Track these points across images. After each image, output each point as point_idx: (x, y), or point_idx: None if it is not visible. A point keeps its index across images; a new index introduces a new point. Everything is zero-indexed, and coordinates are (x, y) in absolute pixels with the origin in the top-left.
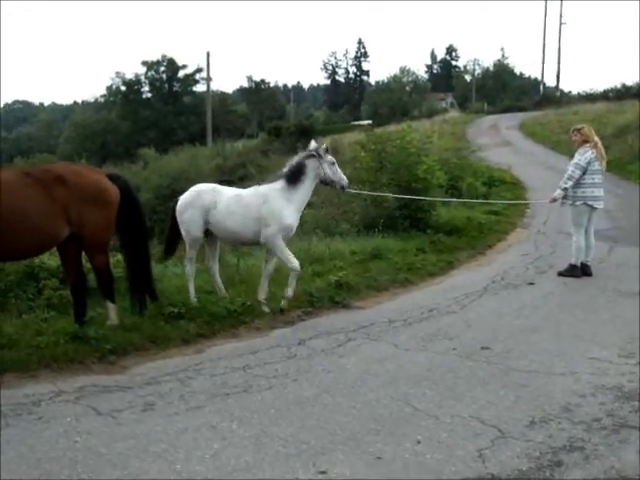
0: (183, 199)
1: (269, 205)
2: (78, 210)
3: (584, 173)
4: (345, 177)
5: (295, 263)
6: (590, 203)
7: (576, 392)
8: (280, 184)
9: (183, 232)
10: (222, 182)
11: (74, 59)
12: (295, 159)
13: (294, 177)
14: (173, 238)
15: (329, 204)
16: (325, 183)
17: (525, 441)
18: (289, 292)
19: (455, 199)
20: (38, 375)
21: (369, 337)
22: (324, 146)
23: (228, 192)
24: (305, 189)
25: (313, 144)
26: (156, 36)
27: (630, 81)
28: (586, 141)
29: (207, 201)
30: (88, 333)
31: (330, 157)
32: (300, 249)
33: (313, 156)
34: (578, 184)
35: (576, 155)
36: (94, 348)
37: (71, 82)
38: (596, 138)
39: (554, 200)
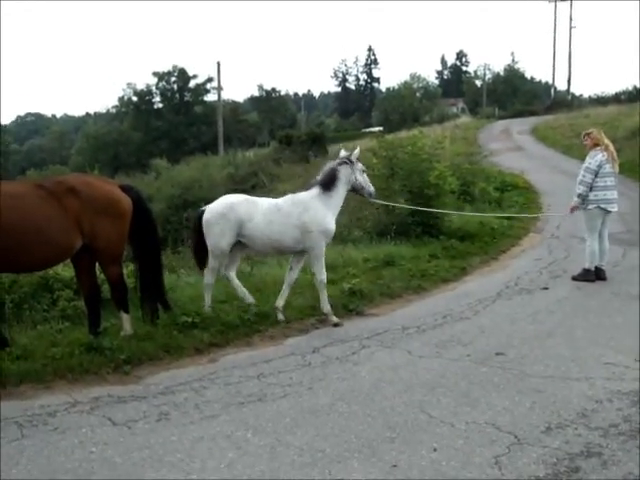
0: (213, 211)
1: (310, 213)
2: (91, 221)
3: (596, 176)
4: (372, 186)
5: (324, 276)
6: (603, 206)
7: (592, 397)
8: (316, 191)
9: (211, 243)
10: (234, 191)
11: (86, 71)
12: (328, 166)
13: (329, 184)
14: (202, 250)
15: (341, 212)
16: (355, 190)
17: (541, 447)
18: (325, 307)
19: (479, 213)
20: (53, 386)
21: (383, 344)
22: (356, 152)
23: (263, 202)
24: (339, 195)
25: (344, 152)
26: (167, 47)
27: None
28: (597, 144)
29: (241, 213)
30: (102, 344)
31: (361, 165)
32: None
33: (345, 163)
34: (590, 188)
35: (587, 159)
36: (109, 358)
37: (83, 94)
38: (607, 141)
39: (573, 209)
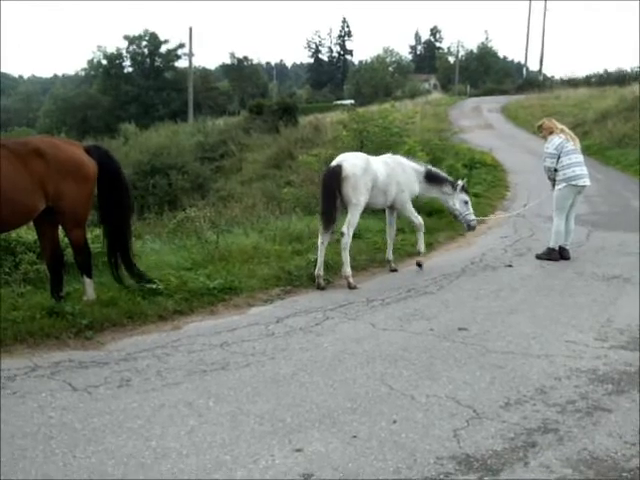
0: (357, 166)
1: (406, 175)
2: (55, 184)
3: (559, 158)
4: (474, 219)
5: (420, 220)
6: (574, 183)
7: (551, 374)
8: (421, 169)
9: (357, 198)
10: (203, 159)
11: (55, 31)
12: (442, 174)
13: (431, 178)
14: (335, 207)
15: (310, 182)
16: (452, 213)
17: (500, 422)
18: (421, 247)
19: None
20: (13, 350)
21: (347, 316)
22: (462, 184)
23: (376, 159)
24: (428, 188)
25: (460, 182)
26: (138, 10)
27: (612, 67)
28: (552, 132)
29: (374, 168)
30: (65, 308)
31: (464, 196)
32: (279, 227)
33: (451, 184)
34: (555, 170)
35: (545, 145)
36: (70, 323)
37: (52, 55)
38: (560, 125)
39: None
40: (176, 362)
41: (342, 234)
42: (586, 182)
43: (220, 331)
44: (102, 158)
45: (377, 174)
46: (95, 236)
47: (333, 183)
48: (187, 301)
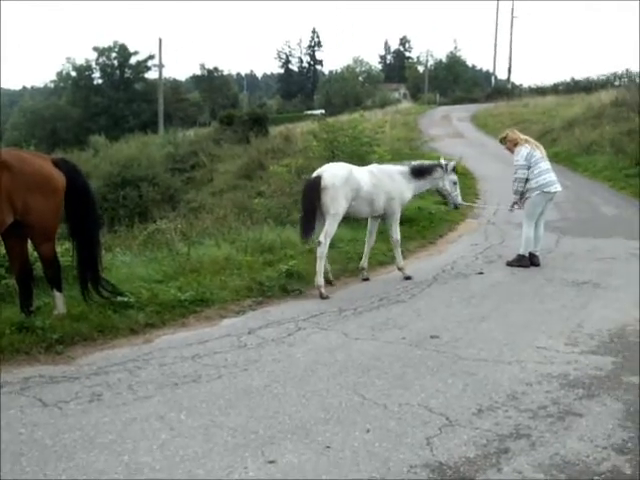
0: (338, 175)
1: (395, 183)
2: (23, 197)
3: (528, 169)
4: (461, 199)
5: (398, 236)
6: (547, 190)
7: (523, 380)
8: (405, 169)
9: (335, 208)
10: (173, 170)
11: (23, 43)
12: (428, 162)
13: (419, 172)
14: (313, 217)
15: (280, 193)
16: (440, 194)
17: (472, 429)
18: (400, 262)
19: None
20: None
21: (319, 326)
22: (452, 164)
23: (360, 168)
24: (421, 183)
25: (444, 160)
26: (108, 22)
27: (579, 75)
28: (516, 144)
29: (358, 177)
30: (34, 323)
31: (453, 176)
32: (250, 238)
33: (441, 167)
34: (526, 181)
35: (514, 157)
36: (40, 338)
37: (20, 67)
38: (523, 136)
39: (514, 205)
40: (147, 375)
41: (319, 243)
42: (557, 188)
43: (192, 343)
44: (70, 172)
45: (361, 184)
46: (65, 249)
47: (313, 193)
48: (158, 314)
